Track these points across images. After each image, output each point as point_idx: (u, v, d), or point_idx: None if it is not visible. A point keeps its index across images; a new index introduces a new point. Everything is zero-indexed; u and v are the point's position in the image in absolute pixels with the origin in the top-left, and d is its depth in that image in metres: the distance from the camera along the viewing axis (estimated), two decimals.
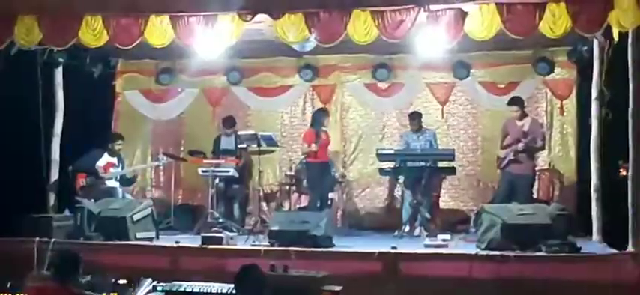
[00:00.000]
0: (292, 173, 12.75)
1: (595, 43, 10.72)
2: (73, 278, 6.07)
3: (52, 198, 12.12)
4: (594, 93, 10.73)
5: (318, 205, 11.77)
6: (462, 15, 9.46)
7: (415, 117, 12.31)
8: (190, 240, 10.54)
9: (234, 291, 5.70)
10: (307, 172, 12.17)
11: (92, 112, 13.13)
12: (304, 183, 12.36)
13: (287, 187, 12.68)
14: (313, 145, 11.89)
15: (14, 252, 9.83)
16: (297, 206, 12.39)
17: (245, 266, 5.52)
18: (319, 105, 13.96)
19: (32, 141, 11.77)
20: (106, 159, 12.18)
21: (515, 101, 11.45)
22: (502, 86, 13.25)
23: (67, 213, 11.26)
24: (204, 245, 9.91)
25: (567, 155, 13.10)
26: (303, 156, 12.36)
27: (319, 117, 12.21)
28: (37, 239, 9.93)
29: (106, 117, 14.14)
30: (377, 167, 12.22)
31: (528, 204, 10.37)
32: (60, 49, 11.14)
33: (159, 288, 6.95)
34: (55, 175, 12.22)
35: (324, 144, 12.05)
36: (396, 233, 11.59)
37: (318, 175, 11.98)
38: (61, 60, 12.01)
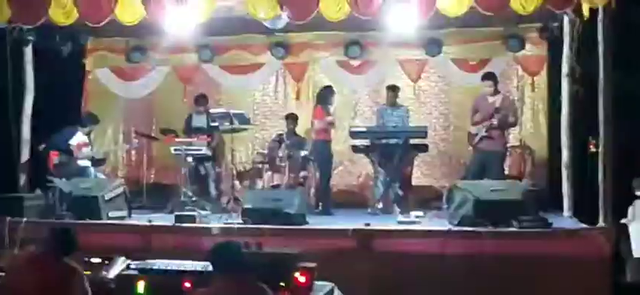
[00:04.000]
0: (265, 151, 12.71)
1: (566, 19, 10.77)
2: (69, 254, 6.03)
3: (22, 178, 12.01)
4: (565, 70, 10.81)
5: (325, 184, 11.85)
6: None
7: (392, 89, 12.32)
8: (163, 219, 10.51)
9: (208, 268, 5.67)
10: (315, 150, 12.10)
11: (62, 91, 13.04)
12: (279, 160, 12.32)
13: (260, 165, 12.65)
14: (321, 122, 11.97)
15: None
16: (271, 184, 12.36)
17: (220, 243, 5.50)
18: (291, 82, 13.99)
19: (2, 121, 11.67)
20: (79, 137, 12.07)
21: (489, 76, 11.47)
22: (474, 63, 13.30)
23: (38, 192, 11.18)
24: (177, 224, 9.89)
25: (538, 131, 13.20)
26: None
27: (327, 94, 12.20)
28: (8, 218, 9.86)
29: (76, 95, 14.05)
30: (350, 144, 12.23)
31: (500, 180, 10.47)
32: (29, 27, 11.04)
33: (132, 266, 6.92)
34: (26, 154, 12.10)
35: (332, 122, 12.05)
36: (370, 210, 11.63)
37: (325, 153, 11.98)
38: (30, 38, 11.85)
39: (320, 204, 11.81)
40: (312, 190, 12.10)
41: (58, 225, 8.59)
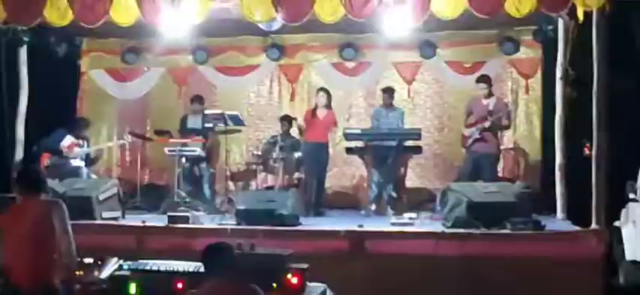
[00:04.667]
0: (259, 152, 12.72)
1: (560, 22, 10.79)
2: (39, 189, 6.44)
3: None
4: (559, 73, 10.81)
5: (314, 187, 11.74)
6: None
7: (388, 91, 12.33)
8: (157, 220, 10.50)
9: (201, 269, 5.68)
10: (302, 151, 12.10)
11: (57, 92, 13.07)
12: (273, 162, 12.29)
13: (254, 166, 12.66)
14: (301, 122, 12.08)
15: None
16: (264, 185, 12.37)
17: (213, 244, 5.51)
18: (286, 84, 13.98)
19: None
20: (70, 138, 12.08)
21: (484, 79, 11.51)
22: (468, 65, 13.32)
23: None
24: (170, 225, 9.89)
25: (532, 134, 13.22)
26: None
27: (316, 96, 12.18)
28: None
29: (71, 96, 14.05)
30: (344, 146, 12.25)
31: (493, 182, 10.48)
32: (24, 27, 11.04)
33: (125, 267, 6.92)
34: (19, 155, 12.08)
35: (319, 123, 11.91)
36: (363, 211, 11.66)
37: (310, 155, 11.89)
38: (25, 39, 11.85)
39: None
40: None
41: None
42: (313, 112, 11.99)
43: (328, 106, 12.02)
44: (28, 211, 6.22)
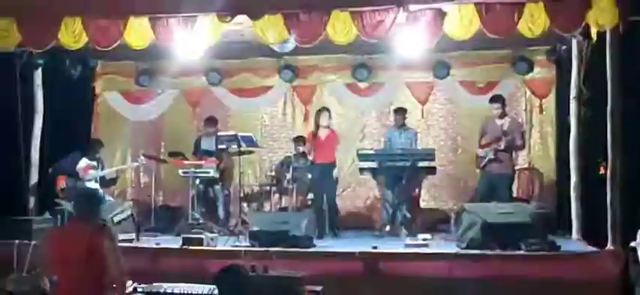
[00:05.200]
0: (273, 173, 12.72)
1: (574, 42, 10.77)
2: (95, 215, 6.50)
3: (32, 201, 12.04)
4: (573, 93, 10.80)
5: (326, 209, 11.66)
6: (441, 15, 9.52)
7: (400, 112, 12.36)
8: (171, 242, 10.51)
9: (215, 292, 5.69)
10: (312, 173, 12.04)
11: (72, 114, 13.11)
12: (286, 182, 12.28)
13: (268, 188, 12.66)
14: (306, 146, 12.03)
15: None
16: (278, 206, 12.36)
17: (226, 266, 5.52)
18: (299, 105, 13.98)
19: (11, 144, 11.68)
20: (85, 161, 12.14)
21: (497, 99, 11.48)
22: (482, 85, 13.30)
23: (47, 215, 11.19)
24: (184, 246, 9.90)
25: (547, 154, 13.17)
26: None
27: (316, 116, 12.09)
28: (17, 241, 9.86)
29: (85, 118, 14.10)
30: (357, 167, 12.23)
31: (508, 202, 10.43)
32: (39, 50, 11.09)
33: (139, 290, 6.93)
34: (34, 177, 12.14)
35: (321, 144, 11.84)
36: (377, 233, 11.62)
37: (318, 177, 11.83)
38: (40, 62, 11.94)
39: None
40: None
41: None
42: (314, 134, 11.90)
43: (329, 126, 11.95)
44: (79, 235, 6.21)
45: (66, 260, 6.08)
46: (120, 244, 10.08)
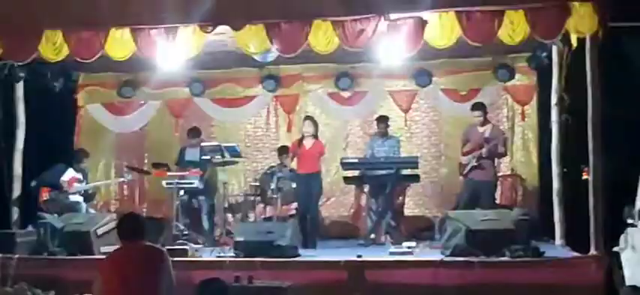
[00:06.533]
0: (257, 183, 12.71)
1: (554, 49, 10.84)
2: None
3: (15, 214, 11.97)
4: (554, 99, 10.84)
5: (307, 217, 11.52)
6: (422, 23, 9.54)
7: (382, 120, 12.36)
8: None
9: None
10: (295, 182, 11.95)
11: (54, 127, 13.03)
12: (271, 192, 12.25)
13: (252, 198, 12.64)
14: (289, 155, 12.01)
15: None
16: (262, 216, 12.35)
17: (206, 279, 5.52)
18: (283, 115, 13.99)
19: None
20: (70, 173, 12.10)
21: (479, 106, 11.54)
22: (464, 93, 13.36)
23: (30, 228, 11.14)
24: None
25: (529, 160, 13.24)
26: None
27: (303, 125, 11.99)
28: (1, 255, 9.83)
29: (68, 131, 14.03)
30: (341, 175, 12.24)
31: (491, 209, 10.48)
32: (20, 63, 11.04)
33: None
34: (17, 190, 12.05)
35: (306, 153, 11.68)
36: (362, 241, 11.63)
37: (302, 186, 11.69)
38: (21, 75, 11.86)
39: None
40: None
41: (50, 262, 8.58)
42: (299, 142, 11.76)
43: (315, 136, 11.84)
44: (133, 257, 6.13)
45: (119, 283, 5.97)
46: (104, 257, 10.21)
